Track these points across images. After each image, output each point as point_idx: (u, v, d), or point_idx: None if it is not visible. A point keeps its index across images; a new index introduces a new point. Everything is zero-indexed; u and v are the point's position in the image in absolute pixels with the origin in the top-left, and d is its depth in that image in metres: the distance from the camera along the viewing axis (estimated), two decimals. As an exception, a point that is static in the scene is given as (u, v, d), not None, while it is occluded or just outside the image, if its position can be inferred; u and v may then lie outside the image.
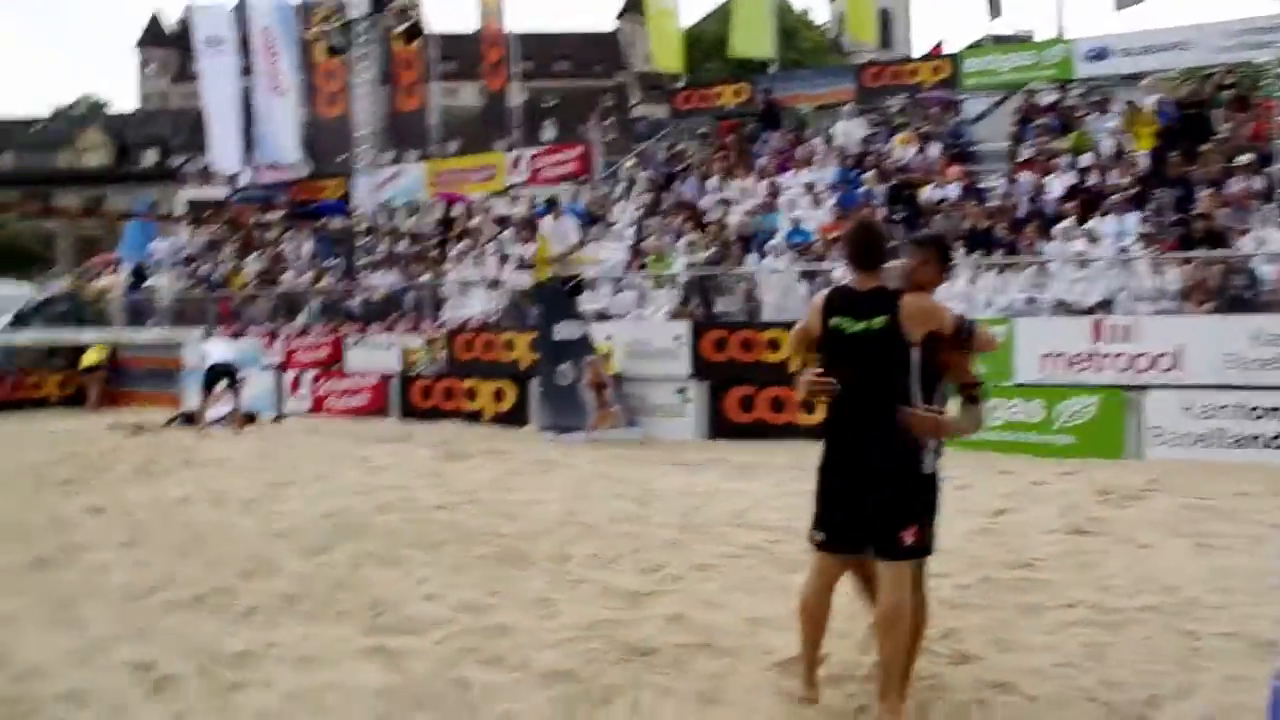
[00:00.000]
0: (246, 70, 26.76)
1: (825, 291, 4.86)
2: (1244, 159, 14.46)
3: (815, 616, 4.80)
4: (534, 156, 24.13)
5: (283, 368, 19.80)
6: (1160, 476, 11.04)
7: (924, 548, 4.65)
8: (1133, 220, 14.49)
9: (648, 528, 8.67)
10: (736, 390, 15.03)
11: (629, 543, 8.11)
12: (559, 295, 15.89)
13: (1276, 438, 11.96)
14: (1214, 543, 8.06)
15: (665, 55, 25.92)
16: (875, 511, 4.58)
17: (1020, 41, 28.41)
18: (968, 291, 14.18)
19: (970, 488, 9.90)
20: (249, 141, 27.05)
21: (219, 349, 17.02)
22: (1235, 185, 14.26)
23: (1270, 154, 14.60)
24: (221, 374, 16.55)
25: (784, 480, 10.33)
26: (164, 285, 24.49)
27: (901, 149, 18.69)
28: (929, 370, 4.67)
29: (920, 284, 4.70)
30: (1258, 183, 14.25)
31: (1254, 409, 12.09)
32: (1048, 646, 5.58)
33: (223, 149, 27.20)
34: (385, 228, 23.21)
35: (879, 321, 4.55)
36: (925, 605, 4.92)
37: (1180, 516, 9.06)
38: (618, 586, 6.81)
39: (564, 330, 15.33)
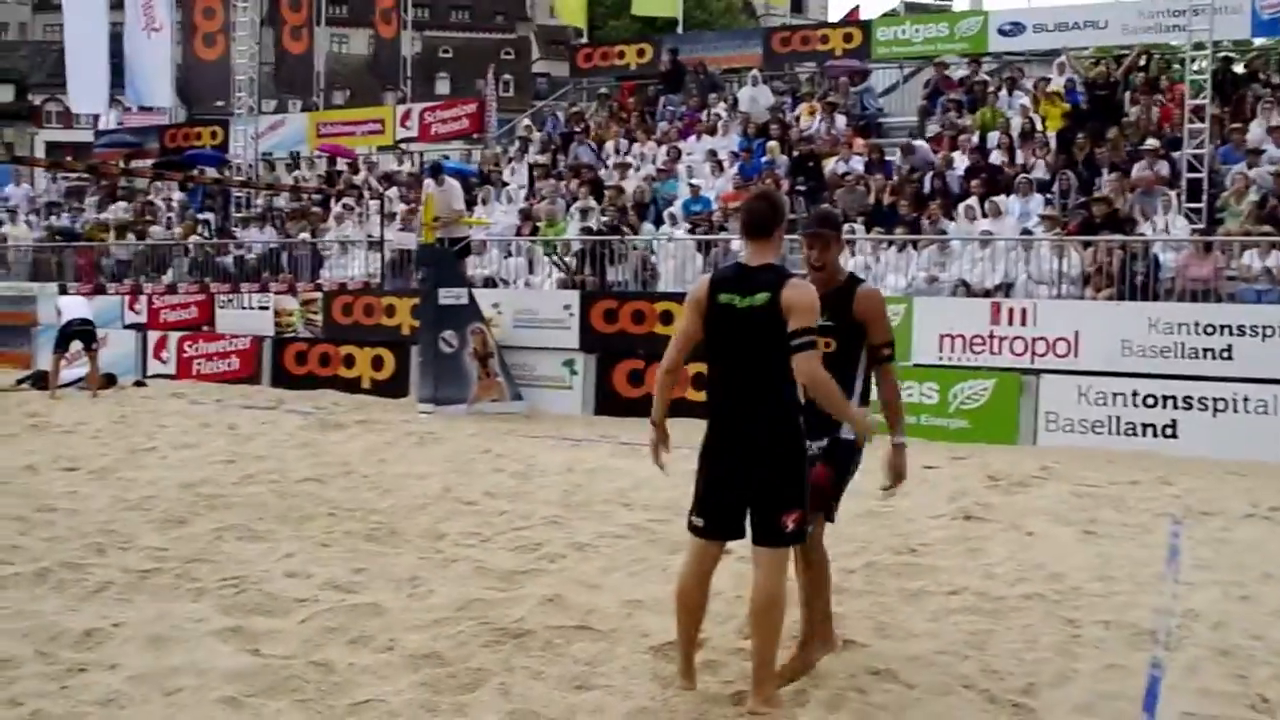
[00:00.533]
0: (117, 3, 25.88)
1: (711, 273, 4.93)
2: (1150, 144, 14.91)
3: (692, 603, 4.83)
4: (425, 111, 23.74)
5: (146, 328, 19.27)
6: (1052, 463, 11.32)
7: (802, 535, 4.71)
8: (1037, 202, 14.86)
9: (528, 505, 8.72)
10: (626, 364, 15.14)
11: (508, 520, 8.16)
12: (445, 259, 15.79)
13: (1169, 426, 12.49)
14: (1100, 531, 8.36)
15: (568, 9, 25.80)
16: (756, 495, 4.61)
17: (937, 11, 28.78)
18: (869, 268, 14.43)
19: (860, 471, 10.04)
20: (117, 82, 26.20)
21: (76, 306, 16.37)
22: (1140, 170, 14.69)
23: (1176, 139, 15.03)
24: (78, 333, 16.10)
25: (672, 458, 10.40)
26: (18, 234, 23.63)
27: (808, 119, 18.89)
28: (847, 359, 4.97)
29: (823, 265, 5.05)
30: (1163, 168, 14.71)
31: (1148, 397, 12.60)
32: (930, 633, 5.74)
33: (86, 89, 26.07)
34: (263, 181, 22.67)
35: (761, 298, 4.56)
36: (826, 564, 5.25)
37: (1069, 504, 9.36)
38: (493, 566, 6.83)
39: (449, 296, 15.25)
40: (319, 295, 17.80)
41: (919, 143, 17.43)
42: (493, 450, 11.61)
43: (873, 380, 5.15)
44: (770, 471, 4.59)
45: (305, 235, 19.91)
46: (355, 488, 9.29)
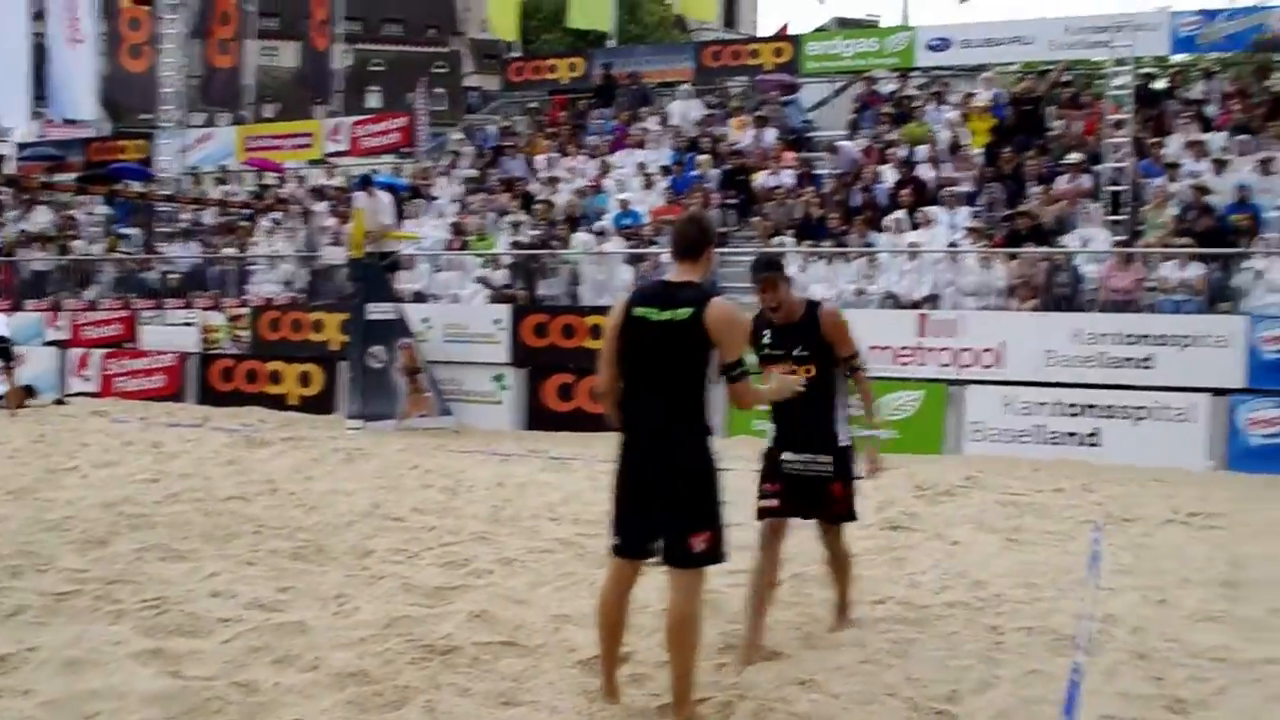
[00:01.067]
0: (39, 14, 25.38)
1: (626, 295, 4.96)
2: (1073, 158, 15.19)
3: (611, 620, 4.85)
4: (355, 124, 23.62)
5: (68, 345, 18.93)
6: (977, 472, 11.49)
7: (716, 555, 4.69)
8: (964, 215, 15.05)
9: (456, 521, 8.70)
10: (556, 378, 15.14)
11: (436, 536, 8.13)
12: (374, 273, 15.69)
13: (1092, 435, 12.77)
14: (1023, 539, 8.51)
15: (501, 23, 25.68)
16: (666, 516, 4.62)
17: (867, 27, 29.00)
18: (798, 280, 14.49)
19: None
20: (40, 94, 25.73)
21: (-6, 321, 16.21)
22: (1064, 184, 14.97)
23: (1098, 153, 15.31)
24: (-4, 349, 15.85)
25: (600, 472, 10.35)
26: (-66, 249, 23.11)
27: (738, 133, 18.98)
28: (828, 379, 5.57)
29: (778, 305, 5.54)
30: (1086, 181, 14.99)
31: (1072, 406, 12.89)
32: (855, 643, 5.78)
33: (7, 101, 25.45)
34: (190, 195, 22.37)
35: (684, 313, 4.57)
36: (848, 558, 6.07)
37: (993, 512, 9.52)
38: (420, 583, 6.79)
39: (378, 311, 15.18)
40: (246, 311, 17.59)
41: (845, 143, 17.54)
42: (421, 466, 11.58)
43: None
44: (680, 493, 4.60)
45: (232, 250, 19.67)
46: (281, 505, 9.20)
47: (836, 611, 6.15)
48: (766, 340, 5.62)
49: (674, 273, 4.80)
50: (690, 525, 4.59)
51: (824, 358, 5.54)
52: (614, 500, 4.80)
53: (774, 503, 5.66)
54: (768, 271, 5.53)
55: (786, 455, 5.67)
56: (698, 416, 4.62)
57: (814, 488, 5.69)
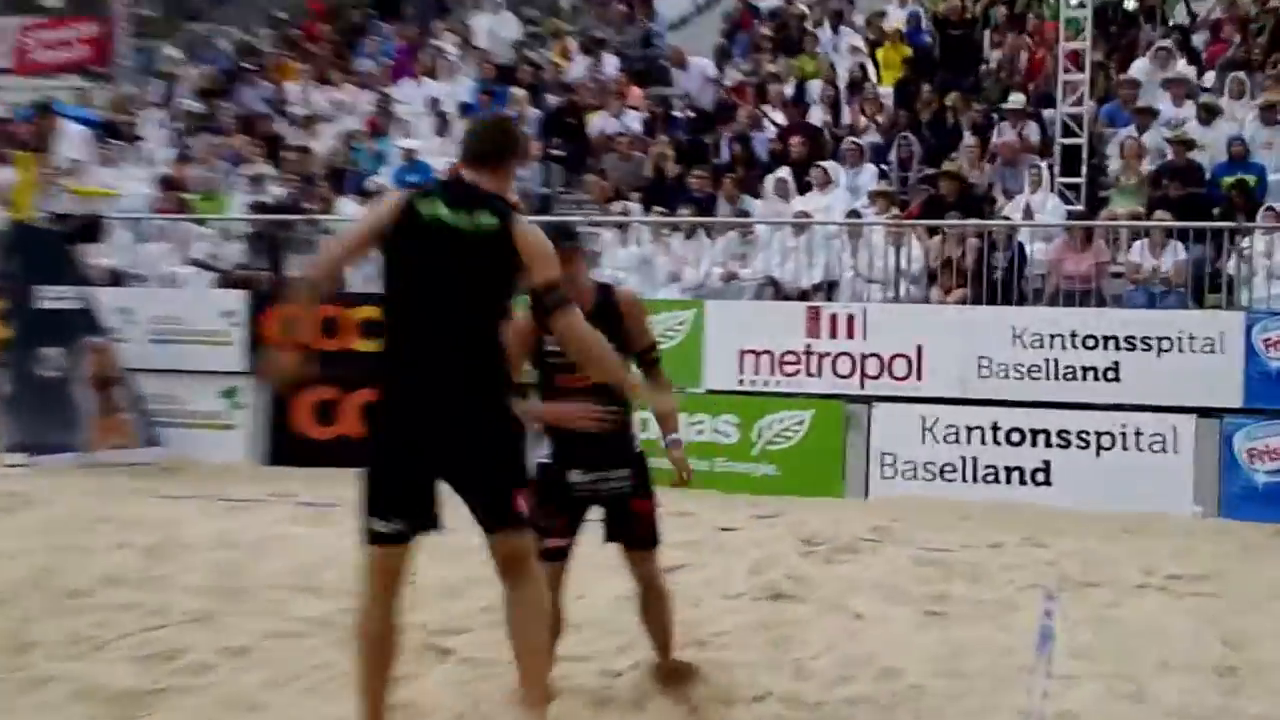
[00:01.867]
0: None
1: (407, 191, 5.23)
2: (1015, 100, 15.40)
3: (380, 638, 4.99)
4: (23, 31, 22.86)
5: None
6: (888, 520, 11.56)
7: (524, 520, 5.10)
8: (868, 175, 15.17)
9: (164, 595, 8.45)
10: (311, 393, 14.62)
11: (135, 618, 7.85)
12: (47, 243, 15.31)
13: (1040, 470, 12.95)
14: (950, 610, 8.48)
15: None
16: (481, 469, 4.87)
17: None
18: (647, 260, 14.66)
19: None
20: None
21: None
22: (1003, 135, 15.18)
23: (1049, 94, 15.54)
24: None
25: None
26: None
27: (565, 61, 19.01)
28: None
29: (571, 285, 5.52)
30: (1032, 131, 15.22)
31: (1012, 432, 13.03)
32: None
33: None
34: None
35: (489, 223, 4.75)
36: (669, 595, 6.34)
37: (909, 575, 9.49)
38: (107, 684, 6.50)
39: (53, 297, 14.81)
40: None
41: (698, 59, 17.71)
42: (116, 517, 11.28)
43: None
44: (496, 440, 4.90)
45: None
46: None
47: (662, 671, 6.46)
48: (552, 345, 5.68)
49: (467, 175, 5.04)
50: (513, 479, 4.93)
51: (624, 354, 5.79)
52: (375, 469, 4.96)
53: (562, 541, 5.95)
54: (563, 243, 5.54)
55: (575, 476, 5.95)
56: (498, 356, 4.92)
57: (610, 509, 6.07)
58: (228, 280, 16.08)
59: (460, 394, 4.81)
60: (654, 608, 6.30)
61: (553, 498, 5.85)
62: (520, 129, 5.47)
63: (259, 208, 16.74)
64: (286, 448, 15.02)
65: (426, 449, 4.83)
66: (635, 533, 6.09)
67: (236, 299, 15.48)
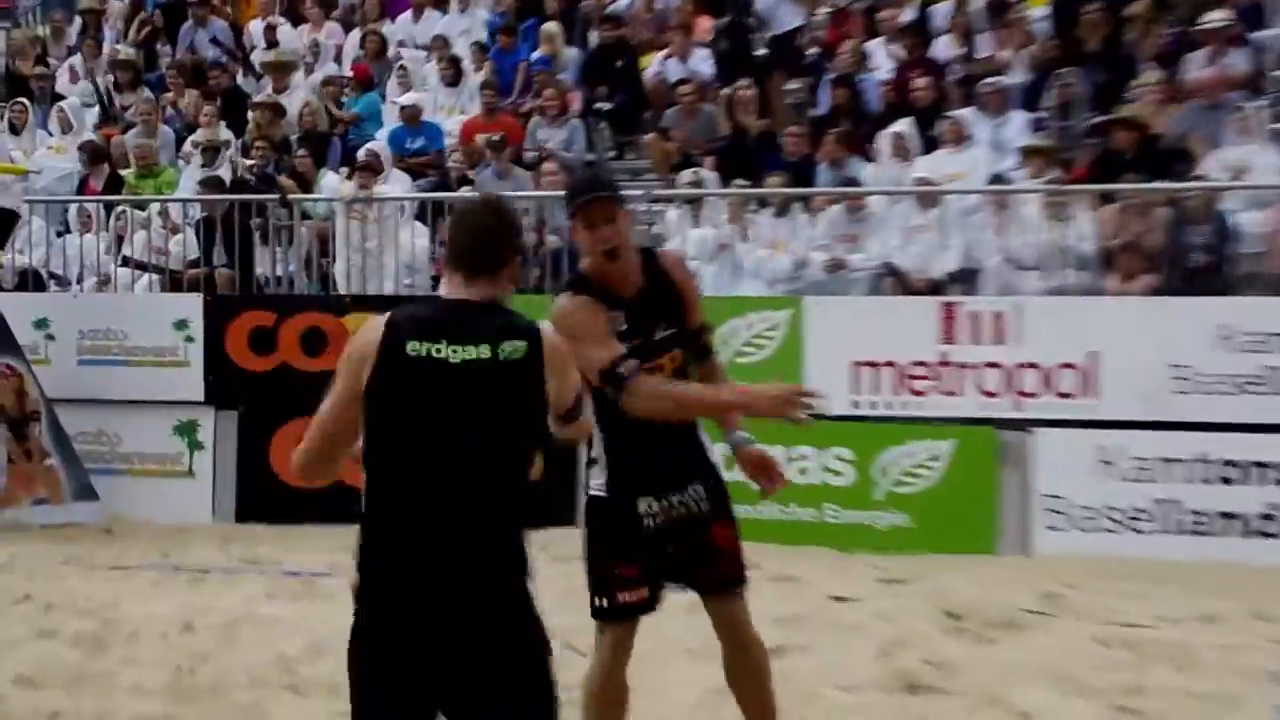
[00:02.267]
0: None
1: (385, 315, 4.82)
2: (1215, 18, 14.75)
3: None
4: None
5: None
6: (1061, 586, 11.31)
7: None
8: (1016, 125, 15.01)
9: (104, 700, 8.53)
10: (293, 425, 13.91)
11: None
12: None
13: (1265, 517, 12.45)
14: (1148, 707, 8.29)
15: None
16: (491, 689, 4.64)
17: None
18: (726, 244, 14.60)
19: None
20: None
21: None
22: (1199, 67, 14.67)
23: (1258, 7, 15.03)
24: None
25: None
26: None
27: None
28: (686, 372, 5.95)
29: (615, 250, 5.78)
30: (1238, 61, 14.62)
31: (1226, 465, 12.59)
32: None
33: None
34: None
35: (511, 349, 4.60)
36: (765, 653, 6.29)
37: (1090, 659, 9.30)
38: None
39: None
40: None
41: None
42: (38, 596, 11.31)
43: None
44: (516, 650, 4.66)
45: None
46: None
47: None
48: (622, 327, 5.85)
49: (456, 288, 4.84)
50: (536, 708, 4.71)
51: (684, 334, 5.98)
52: (365, 667, 4.70)
53: (640, 593, 5.91)
54: (600, 193, 5.74)
55: (644, 506, 5.95)
56: (521, 525, 4.72)
57: (689, 542, 5.98)
58: (178, 281, 16.08)
59: (476, 583, 4.64)
60: (749, 671, 6.19)
61: (619, 542, 5.88)
62: (515, 212, 5.29)
63: (215, 185, 16.54)
64: (261, 498, 14.89)
65: (439, 652, 4.64)
66: (720, 568, 6.03)
67: (191, 305, 15.44)
